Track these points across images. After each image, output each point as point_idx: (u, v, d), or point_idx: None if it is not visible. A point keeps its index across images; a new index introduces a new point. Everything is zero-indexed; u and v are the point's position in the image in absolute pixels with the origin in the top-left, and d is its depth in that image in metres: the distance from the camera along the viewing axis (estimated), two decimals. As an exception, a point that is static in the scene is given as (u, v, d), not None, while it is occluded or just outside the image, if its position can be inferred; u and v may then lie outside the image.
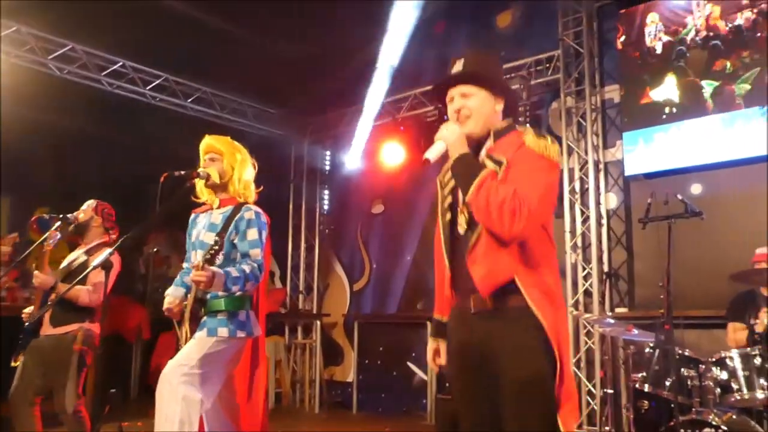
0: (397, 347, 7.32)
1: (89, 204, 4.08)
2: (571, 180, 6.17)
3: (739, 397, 3.62)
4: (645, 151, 5.79)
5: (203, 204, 3.25)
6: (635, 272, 5.90)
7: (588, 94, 6.15)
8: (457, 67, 2.20)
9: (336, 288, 8.38)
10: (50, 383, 3.71)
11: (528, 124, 6.28)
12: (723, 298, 4.53)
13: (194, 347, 2.88)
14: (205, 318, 2.97)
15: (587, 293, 5.93)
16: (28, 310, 3.76)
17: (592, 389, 5.70)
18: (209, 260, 2.88)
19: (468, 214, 2.10)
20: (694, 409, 3.62)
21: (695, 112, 5.56)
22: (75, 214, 4.01)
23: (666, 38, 5.81)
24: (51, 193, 7.40)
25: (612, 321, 4.14)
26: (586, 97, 6.15)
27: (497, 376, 1.99)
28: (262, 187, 3.32)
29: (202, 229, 3.12)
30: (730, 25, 5.46)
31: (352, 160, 7.89)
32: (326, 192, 8.69)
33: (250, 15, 6.29)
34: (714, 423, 3.44)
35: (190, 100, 7.33)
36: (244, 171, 3.21)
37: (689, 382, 3.72)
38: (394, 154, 7.28)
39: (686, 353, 3.84)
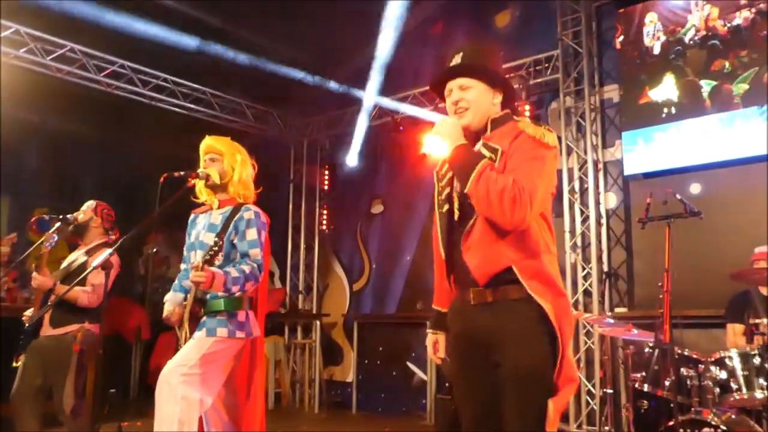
0: (397, 347, 7.33)
1: (89, 205, 4.09)
2: (571, 180, 6.17)
3: (738, 397, 3.63)
4: (644, 151, 5.80)
5: (203, 204, 3.25)
6: (635, 272, 5.91)
7: (587, 93, 6.15)
8: (456, 59, 2.20)
9: (336, 288, 8.38)
10: (50, 383, 3.71)
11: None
12: (722, 298, 4.54)
13: (193, 347, 2.89)
14: (204, 318, 2.97)
15: (587, 293, 5.93)
16: (28, 312, 3.77)
17: (592, 389, 5.71)
18: (208, 261, 2.88)
19: (460, 203, 2.11)
20: (693, 409, 3.63)
21: (694, 111, 5.57)
22: (74, 214, 4.02)
23: (664, 38, 5.82)
24: (50, 194, 7.40)
25: (611, 321, 4.14)
26: (585, 97, 6.16)
27: (498, 366, 2.00)
28: (261, 188, 3.32)
29: (201, 229, 3.13)
30: (728, 25, 5.46)
31: (351, 160, 7.89)
32: (326, 192, 8.68)
33: (250, 15, 6.30)
34: (713, 422, 3.44)
35: (189, 100, 7.33)
36: (244, 171, 3.21)
37: (688, 382, 3.73)
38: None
39: (685, 353, 3.85)
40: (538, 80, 6.54)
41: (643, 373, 3.91)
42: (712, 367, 3.71)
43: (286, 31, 6.60)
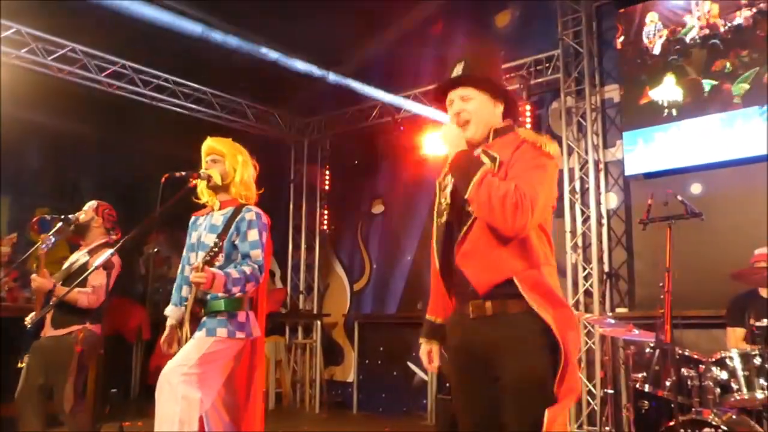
0: (398, 347, 7.33)
1: (90, 205, 4.09)
2: (572, 180, 6.17)
3: (738, 397, 3.63)
4: (645, 151, 5.80)
5: (204, 206, 3.26)
6: (635, 272, 5.91)
7: (588, 93, 6.15)
8: (457, 70, 2.20)
9: (336, 288, 8.39)
10: (51, 383, 3.72)
11: (528, 126, 6.32)
12: (723, 298, 4.54)
13: (193, 347, 2.90)
14: (204, 318, 2.98)
15: (587, 293, 5.93)
16: (29, 319, 3.78)
17: (593, 389, 5.71)
18: (209, 262, 2.89)
19: (457, 211, 2.10)
20: (694, 409, 3.63)
21: (695, 111, 5.56)
22: (76, 215, 4.02)
23: (665, 38, 5.82)
24: (51, 194, 7.41)
25: (612, 321, 4.14)
26: (586, 97, 6.16)
27: (497, 380, 1.98)
28: (263, 189, 3.32)
29: (203, 231, 3.13)
30: (729, 25, 5.46)
31: (353, 160, 7.90)
32: (326, 192, 8.69)
33: (250, 15, 6.29)
34: (714, 423, 3.44)
35: (190, 100, 7.33)
36: (246, 172, 3.21)
37: (689, 382, 3.73)
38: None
39: (686, 353, 3.85)
40: (539, 80, 6.55)
41: (644, 374, 3.91)
42: (713, 368, 3.71)
43: (288, 26, 6.58)
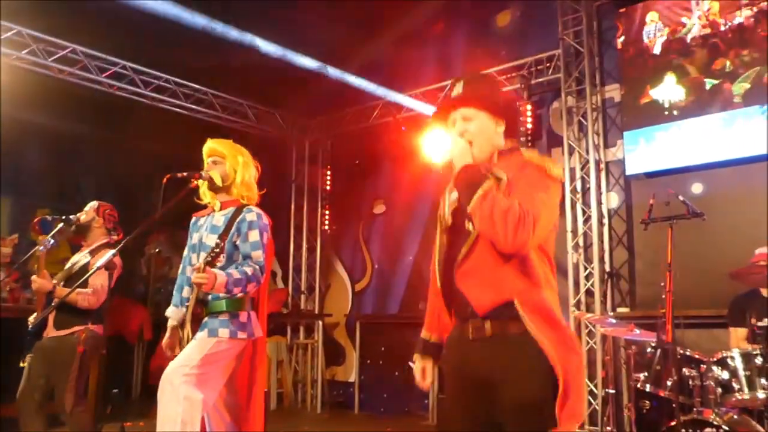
0: (399, 347, 7.31)
1: (91, 205, 4.11)
2: (573, 179, 6.17)
3: (740, 397, 3.63)
4: (646, 151, 5.80)
5: (205, 206, 3.26)
6: (636, 272, 5.90)
7: (588, 93, 6.15)
8: (457, 89, 2.20)
9: (338, 288, 8.39)
10: (53, 383, 3.73)
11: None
12: (724, 298, 4.54)
13: (195, 348, 2.90)
14: (206, 319, 2.99)
15: (589, 293, 5.93)
16: (32, 318, 3.79)
17: (594, 389, 5.71)
18: (210, 262, 2.89)
19: (454, 229, 2.09)
20: (695, 409, 3.63)
21: (695, 111, 5.56)
22: (77, 215, 4.03)
23: (665, 37, 5.82)
24: (52, 195, 7.42)
25: (613, 321, 4.15)
26: (587, 97, 6.16)
27: (496, 402, 1.97)
28: (265, 190, 3.33)
29: (204, 231, 3.14)
30: (729, 24, 5.46)
31: (354, 160, 7.90)
32: (328, 192, 8.69)
33: (250, 15, 6.29)
34: (715, 423, 3.44)
35: (190, 101, 7.34)
36: (247, 173, 3.22)
37: (690, 382, 3.73)
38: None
39: (687, 353, 3.84)
40: (540, 80, 6.55)
41: (645, 373, 3.91)
42: (714, 367, 3.71)
43: (288, 29, 6.58)
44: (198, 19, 5.70)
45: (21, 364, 3.75)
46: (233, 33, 5.94)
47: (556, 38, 6.37)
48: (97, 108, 6.95)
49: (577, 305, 5.91)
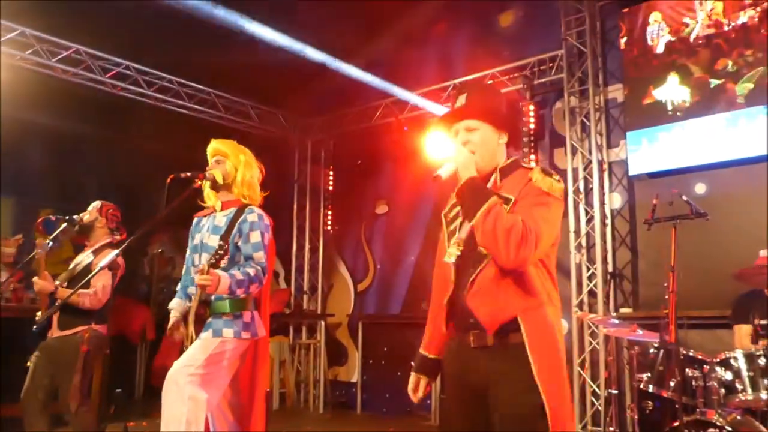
0: (401, 347, 7.32)
1: (94, 205, 4.12)
2: (575, 180, 6.17)
3: (743, 398, 3.61)
4: (649, 151, 5.79)
5: (206, 207, 3.27)
6: (639, 272, 5.89)
7: (591, 93, 6.14)
8: (460, 101, 2.21)
9: (340, 288, 8.39)
10: (56, 383, 3.74)
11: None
12: (727, 298, 4.52)
13: (200, 348, 2.91)
14: (210, 319, 2.99)
15: (591, 293, 5.92)
16: (37, 318, 3.80)
17: (597, 390, 5.70)
18: (214, 264, 2.89)
19: (461, 250, 2.10)
20: (698, 410, 3.62)
21: (699, 111, 5.55)
22: (80, 215, 4.05)
23: (668, 37, 5.81)
24: (55, 195, 7.43)
25: (616, 321, 4.14)
26: (590, 97, 6.15)
27: (493, 409, 2.00)
28: (268, 192, 3.33)
29: (206, 232, 3.14)
30: (733, 24, 5.45)
31: (357, 160, 7.90)
32: (330, 193, 8.69)
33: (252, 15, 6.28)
34: (718, 423, 3.43)
35: (193, 101, 7.35)
36: (248, 172, 3.22)
37: (693, 383, 3.72)
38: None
39: (690, 353, 3.84)
40: (543, 80, 6.54)
41: (648, 374, 3.90)
42: (717, 368, 3.70)
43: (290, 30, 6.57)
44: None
45: (27, 364, 3.77)
46: (237, 27, 5.88)
47: (559, 38, 6.36)
48: (101, 108, 6.96)
49: (580, 306, 5.90)
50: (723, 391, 3.65)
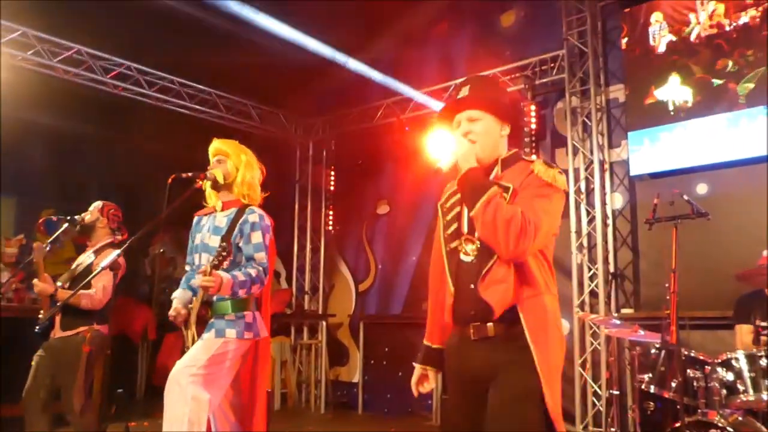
0: (403, 347, 7.31)
1: (95, 205, 4.12)
2: (577, 180, 6.16)
3: (744, 399, 3.61)
4: (650, 151, 5.78)
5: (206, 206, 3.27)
6: (641, 272, 5.89)
7: (593, 93, 6.14)
8: (463, 92, 2.21)
9: (341, 288, 8.39)
10: (58, 383, 3.74)
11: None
12: (729, 299, 4.51)
13: (202, 348, 2.91)
14: (212, 320, 3.00)
15: (593, 294, 5.92)
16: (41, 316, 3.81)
17: (598, 390, 5.70)
18: (216, 266, 2.89)
19: (479, 242, 2.09)
20: (699, 411, 3.61)
21: (700, 111, 5.54)
22: (81, 215, 4.05)
23: (670, 37, 5.80)
24: (56, 195, 7.44)
25: (618, 322, 4.13)
26: (591, 97, 6.14)
27: (493, 398, 2.01)
28: (269, 192, 3.33)
29: (206, 232, 3.14)
30: (734, 24, 5.44)
31: (358, 160, 7.90)
32: (331, 193, 8.69)
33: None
34: (719, 424, 3.43)
35: (195, 101, 7.36)
36: (249, 172, 3.22)
37: (695, 383, 3.71)
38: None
39: (692, 354, 3.83)
40: (544, 80, 6.54)
41: (650, 375, 3.89)
42: (719, 369, 3.69)
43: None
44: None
45: (32, 363, 3.79)
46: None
47: (560, 38, 6.36)
48: (102, 108, 6.97)
49: (581, 306, 5.89)
50: (724, 391, 3.65)
